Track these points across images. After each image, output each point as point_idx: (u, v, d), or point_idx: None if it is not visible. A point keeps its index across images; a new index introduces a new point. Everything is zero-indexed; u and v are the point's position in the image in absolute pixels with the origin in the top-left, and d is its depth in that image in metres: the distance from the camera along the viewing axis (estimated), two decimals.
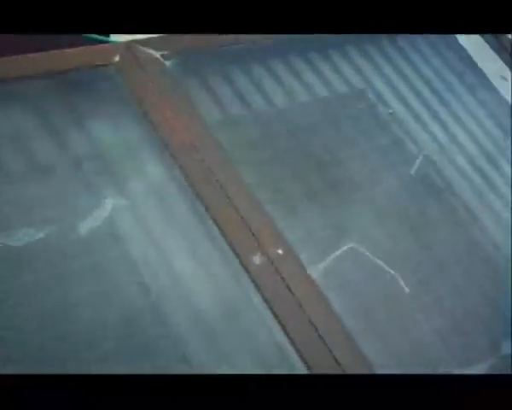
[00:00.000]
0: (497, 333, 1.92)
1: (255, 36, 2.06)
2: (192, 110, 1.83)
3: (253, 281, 1.62)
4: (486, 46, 2.43)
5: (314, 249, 1.84)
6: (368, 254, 1.87)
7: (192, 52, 1.94)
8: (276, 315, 1.60)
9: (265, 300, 1.61)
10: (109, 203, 1.68)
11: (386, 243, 1.95)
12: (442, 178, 2.15)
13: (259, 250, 1.66)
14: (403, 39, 2.39)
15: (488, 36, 2.43)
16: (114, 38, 2.11)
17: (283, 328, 1.59)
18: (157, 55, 1.86)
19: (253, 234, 1.68)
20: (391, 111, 2.21)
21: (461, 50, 2.46)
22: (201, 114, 1.85)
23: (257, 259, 1.65)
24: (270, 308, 1.60)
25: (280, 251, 1.68)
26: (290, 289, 1.63)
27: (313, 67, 2.19)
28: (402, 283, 1.87)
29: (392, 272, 1.87)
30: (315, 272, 1.78)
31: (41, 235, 1.59)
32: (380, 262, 1.87)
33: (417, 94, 2.30)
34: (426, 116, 2.27)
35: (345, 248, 1.86)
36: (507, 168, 2.27)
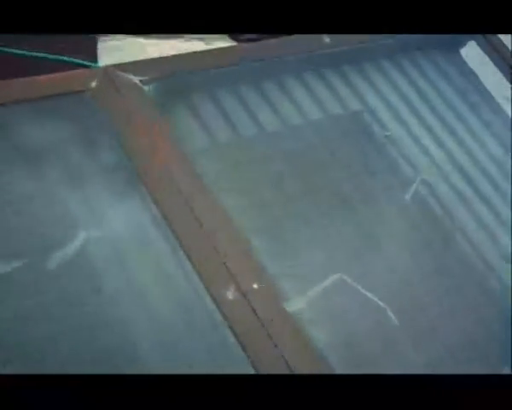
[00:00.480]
0: (495, 364, 1.84)
1: (241, 57, 2.01)
2: (171, 137, 1.77)
3: (226, 317, 1.56)
4: (488, 60, 2.34)
5: (300, 280, 1.77)
6: (356, 285, 1.80)
7: (173, 76, 1.87)
8: (248, 354, 1.53)
9: (237, 337, 1.54)
10: (82, 235, 1.64)
11: (377, 273, 1.88)
12: (439, 203, 2.07)
13: (234, 284, 1.60)
14: (402, 56, 2.30)
15: (490, 51, 2.34)
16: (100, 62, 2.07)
17: (256, 368, 1.52)
18: (136, 80, 1.80)
19: (228, 267, 1.61)
20: (387, 133, 2.13)
21: (463, 66, 2.38)
22: (181, 141, 1.79)
23: (230, 294, 1.58)
24: (243, 347, 1.54)
25: (255, 285, 1.62)
26: (264, 326, 1.57)
27: (307, 88, 2.12)
28: (392, 315, 1.80)
29: (381, 304, 1.79)
30: (299, 303, 1.72)
31: (10, 268, 1.55)
32: (368, 294, 1.80)
33: (416, 113, 2.22)
34: (424, 136, 2.18)
35: (333, 278, 1.79)
36: (509, 191, 2.19)
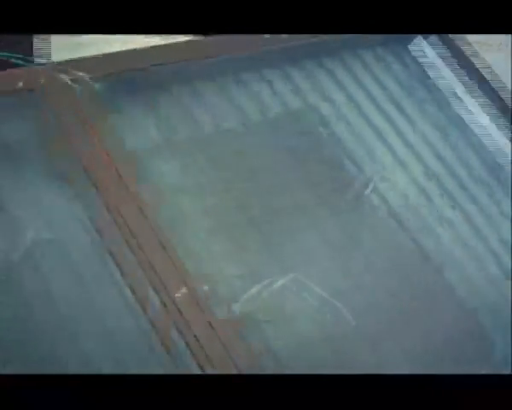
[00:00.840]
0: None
1: (189, 56, 1.96)
2: (114, 136, 1.73)
3: (151, 322, 1.54)
4: (439, 60, 2.33)
5: (255, 280, 1.74)
6: (312, 285, 1.78)
7: (125, 74, 1.83)
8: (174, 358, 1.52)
9: (163, 342, 1.52)
10: (29, 237, 1.60)
11: (334, 273, 1.85)
12: (382, 200, 2.03)
13: (164, 289, 1.57)
14: (347, 53, 2.27)
15: (442, 48, 2.32)
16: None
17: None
18: (86, 77, 1.76)
19: (157, 272, 1.58)
20: (329, 132, 2.11)
21: (411, 62, 2.34)
22: (125, 140, 1.75)
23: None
24: (168, 352, 1.52)
25: (184, 290, 1.58)
26: (191, 330, 1.54)
27: (246, 88, 2.07)
28: (348, 315, 1.77)
29: (338, 304, 1.77)
30: (253, 304, 1.70)
31: None
32: (324, 294, 1.77)
33: (360, 111, 2.18)
34: (369, 135, 2.15)
35: (287, 278, 1.77)
36: (453, 188, 2.16)
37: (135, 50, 1.88)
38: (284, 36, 2.10)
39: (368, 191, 2.01)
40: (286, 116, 2.10)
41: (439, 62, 2.34)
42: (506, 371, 1.76)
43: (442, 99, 2.32)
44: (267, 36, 2.09)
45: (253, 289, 1.72)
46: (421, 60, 2.36)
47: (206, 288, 1.58)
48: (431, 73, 2.35)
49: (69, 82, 1.75)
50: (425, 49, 2.36)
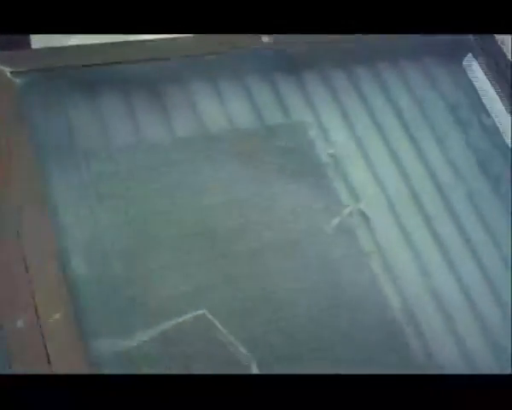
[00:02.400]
0: None
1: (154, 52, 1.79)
2: (27, 139, 1.59)
3: (9, 346, 1.37)
4: (484, 77, 1.98)
5: (154, 312, 1.56)
6: (222, 327, 1.56)
7: (54, 70, 1.68)
8: None
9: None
10: None
11: (257, 318, 1.61)
12: (371, 238, 1.75)
13: (31, 312, 1.41)
14: (382, 62, 1.99)
15: (489, 66, 1.97)
16: None
17: None
18: (6, 71, 1.65)
19: (33, 292, 1.42)
20: (331, 151, 1.84)
21: (462, 78, 2.02)
22: (39, 143, 1.60)
23: (22, 322, 1.40)
24: None
25: (57, 315, 1.42)
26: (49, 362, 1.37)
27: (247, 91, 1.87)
28: (254, 366, 1.54)
29: (245, 352, 1.54)
30: (141, 338, 1.51)
31: None
32: (233, 339, 1.55)
33: (378, 131, 1.91)
34: (380, 160, 1.87)
35: (194, 314, 1.56)
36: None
37: (74, 47, 1.74)
38: None
39: (333, 226, 1.73)
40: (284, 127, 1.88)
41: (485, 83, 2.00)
42: (506, 371, 1.69)
43: (488, 123, 1.99)
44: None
45: (149, 322, 1.54)
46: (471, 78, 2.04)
47: (57, 316, 1.41)
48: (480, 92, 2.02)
49: None
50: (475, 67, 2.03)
